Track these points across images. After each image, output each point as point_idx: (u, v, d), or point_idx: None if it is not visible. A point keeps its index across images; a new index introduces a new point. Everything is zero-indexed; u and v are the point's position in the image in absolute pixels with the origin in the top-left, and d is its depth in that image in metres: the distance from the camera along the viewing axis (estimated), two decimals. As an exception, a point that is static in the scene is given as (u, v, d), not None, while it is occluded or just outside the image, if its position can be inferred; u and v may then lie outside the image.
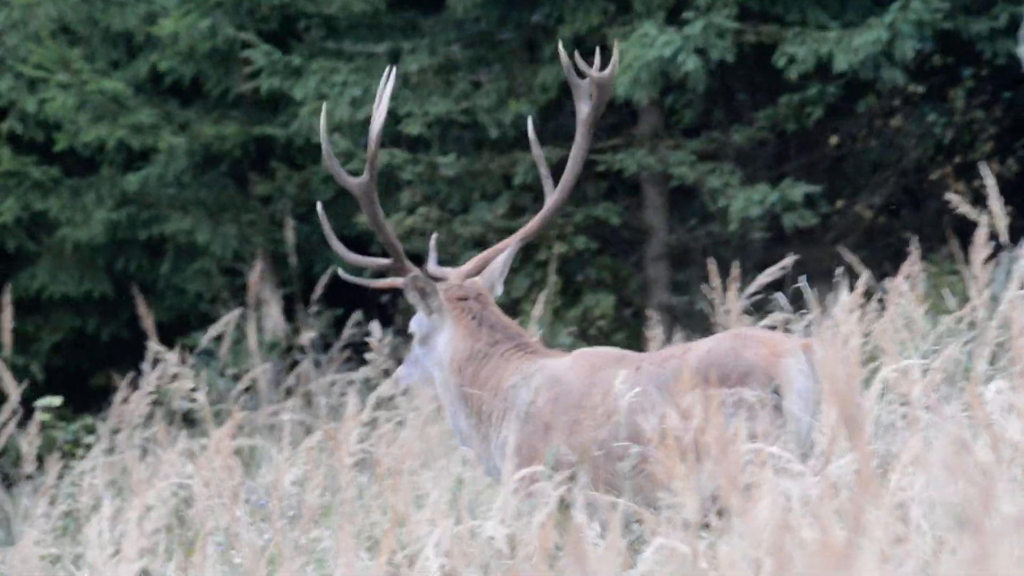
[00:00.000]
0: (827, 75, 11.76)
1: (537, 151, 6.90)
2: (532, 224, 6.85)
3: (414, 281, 6.61)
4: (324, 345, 12.53)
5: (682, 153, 12.08)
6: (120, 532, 5.84)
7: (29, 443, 7.80)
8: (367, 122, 11.06)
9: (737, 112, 12.48)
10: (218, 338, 11.49)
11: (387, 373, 8.94)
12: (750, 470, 4.80)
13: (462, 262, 7.18)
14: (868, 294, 6.52)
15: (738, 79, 12.42)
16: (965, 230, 11.58)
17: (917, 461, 4.84)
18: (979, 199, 11.52)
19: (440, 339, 6.62)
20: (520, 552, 5.37)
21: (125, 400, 8.78)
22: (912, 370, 5.45)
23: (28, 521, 7.77)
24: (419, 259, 7.11)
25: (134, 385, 8.96)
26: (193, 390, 8.79)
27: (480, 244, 11.87)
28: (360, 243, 12.35)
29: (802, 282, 6.89)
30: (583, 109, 6.87)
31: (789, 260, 7.49)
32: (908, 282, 6.58)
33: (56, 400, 9.26)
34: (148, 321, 10.29)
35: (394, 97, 12.01)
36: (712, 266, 7.55)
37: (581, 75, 6.85)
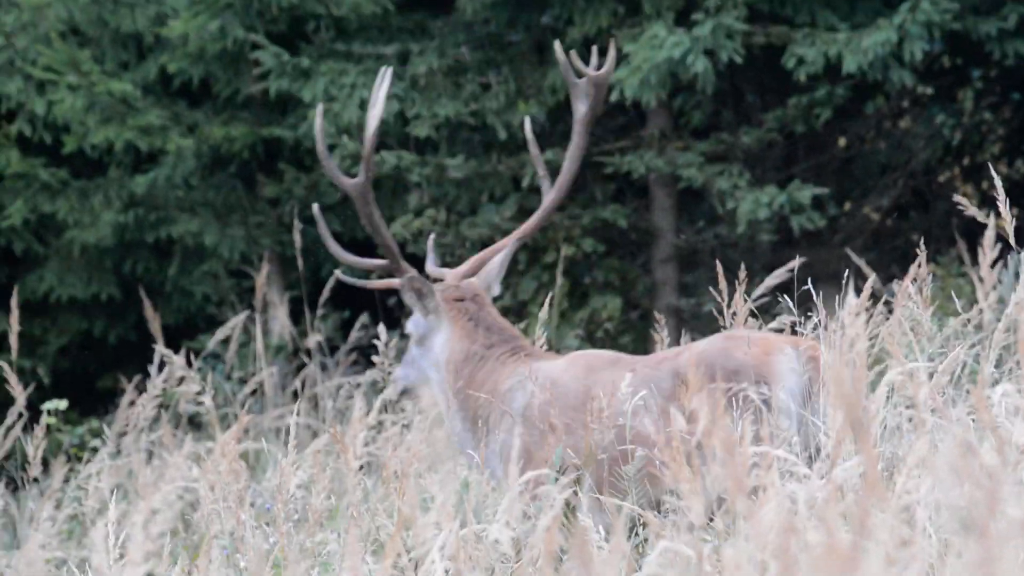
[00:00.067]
0: (836, 76, 11.74)
1: (535, 151, 6.91)
2: (529, 224, 6.86)
3: (410, 282, 6.61)
4: (331, 348, 12.53)
5: (691, 155, 12.06)
6: (126, 536, 5.83)
7: (35, 446, 7.80)
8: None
9: (746, 113, 12.46)
10: (225, 341, 11.51)
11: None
12: (755, 473, 4.79)
13: (467, 264, 7.17)
14: (875, 297, 6.50)
15: (747, 80, 12.40)
16: (973, 232, 11.59)
17: (923, 464, 4.84)
18: (987, 201, 11.51)
19: (437, 340, 6.62)
20: (525, 555, 5.37)
21: (131, 403, 8.77)
22: (918, 373, 5.44)
23: (34, 524, 7.77)
24: (424, 261, 7.11)
25: (140, 388, 8.96)
26: (199, 393, 8.80)
27: (488, 246, 11.83)
28: (369, 245, 12.33)
29: (809, 285, 6.88)
30: (580, 108, 6.89)
31: (797, 262, 7.49)
32: (916, 285, 6.56)
33: (62, 403, 9.25)
34: (155, 324, 10.30)
35: (402, 99, 12.00)
36: (720, 268, 7.54)
37: (579, 74, 6.86)
